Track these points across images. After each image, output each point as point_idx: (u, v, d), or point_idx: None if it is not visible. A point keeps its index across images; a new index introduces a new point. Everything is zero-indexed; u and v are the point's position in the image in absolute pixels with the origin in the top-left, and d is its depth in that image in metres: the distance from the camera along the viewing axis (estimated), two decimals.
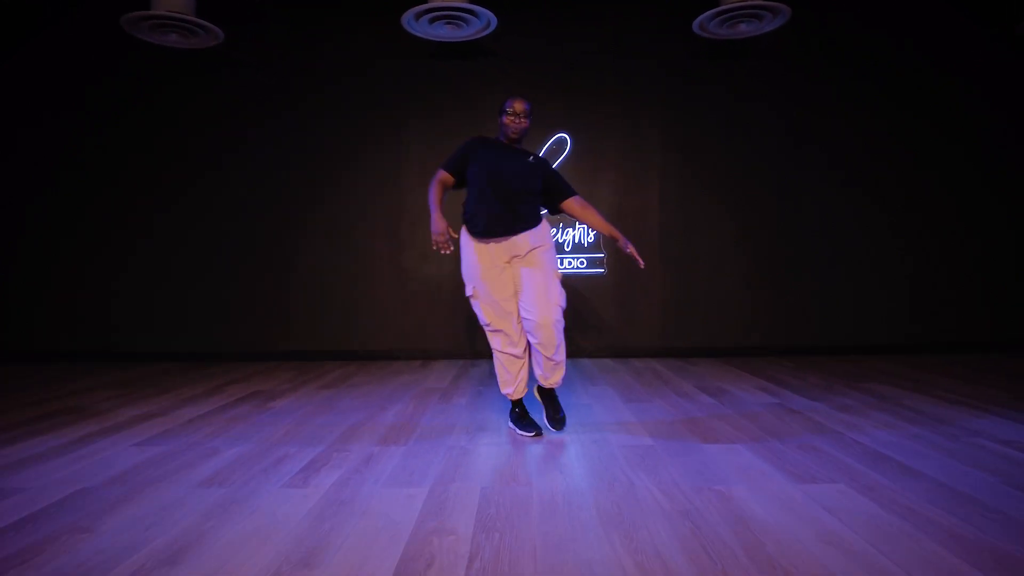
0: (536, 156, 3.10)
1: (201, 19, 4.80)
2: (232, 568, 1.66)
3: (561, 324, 2.92)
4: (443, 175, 3.02)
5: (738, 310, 5.62)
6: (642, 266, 3.09)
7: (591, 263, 5.63)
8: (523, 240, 2.92)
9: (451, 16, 4.68)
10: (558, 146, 5.61)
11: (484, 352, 5.46)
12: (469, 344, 5.63)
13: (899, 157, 5.60)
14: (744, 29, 4.94)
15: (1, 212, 5.67)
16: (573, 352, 5.58)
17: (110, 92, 5.64)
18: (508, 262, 2.96)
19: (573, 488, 2.26)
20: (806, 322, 5.62)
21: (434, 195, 2.96)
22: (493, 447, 2.82)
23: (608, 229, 3.08)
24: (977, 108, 5.58)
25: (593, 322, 5.65)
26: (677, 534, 1.84)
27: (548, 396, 3.15)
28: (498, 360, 3.04)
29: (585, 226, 5.60)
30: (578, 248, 5.64)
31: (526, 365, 3.06)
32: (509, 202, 2.90)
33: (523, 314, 2.92)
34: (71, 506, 2.15)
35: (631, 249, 3.03)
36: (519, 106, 2.97)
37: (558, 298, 2.91)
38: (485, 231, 2.91)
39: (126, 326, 5.68)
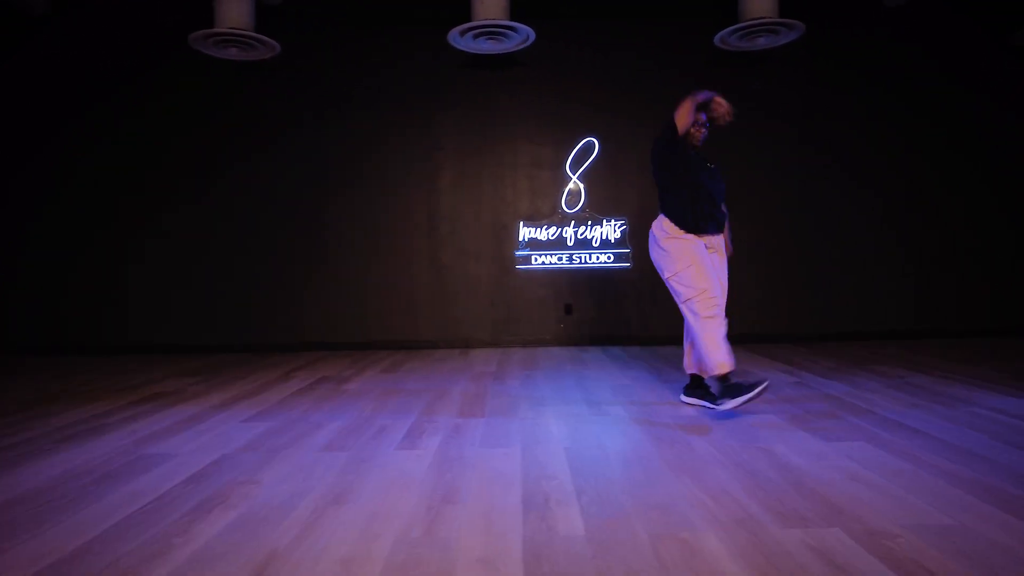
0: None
1: (259, 34, 5.21)
2: (390, 505, 2.11)
3: None
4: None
5: (752, 301, 6.06)
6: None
7: (618, 258, 6.06)
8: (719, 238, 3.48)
9: (494, 32, 5.10)
10: (586, 149, 6.03)
11: (516, 342, 5.94)
12: (505, 335, 6.07)
13: (904, 159, 6.05)
14: (762, 43, 5.38)
15: (66, 217, 6.10)
16: (606, 340, 6.05)
17: (157, 95, 6.08)
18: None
19: (639, 449, 2.71)
20: (812, 312, 6.07)
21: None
22: (559, 419, 3.27)
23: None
24: (978, 111, 6.03)
25: (621, 311, 6.09)
26: (735, 476, 2.30)
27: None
28: (710, 329, 3.24)
29: (613, 223, 6.03)
30: (606, 244, 6.07)
31: None
32: (717, 205, 3.43)
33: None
34: (224, 467, 2.58)
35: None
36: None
37: None
38: (699, 228, 3.36)
39: (182, 322, 6.12)
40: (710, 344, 3.23)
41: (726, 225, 3.55)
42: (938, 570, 1.58)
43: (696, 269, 3.28)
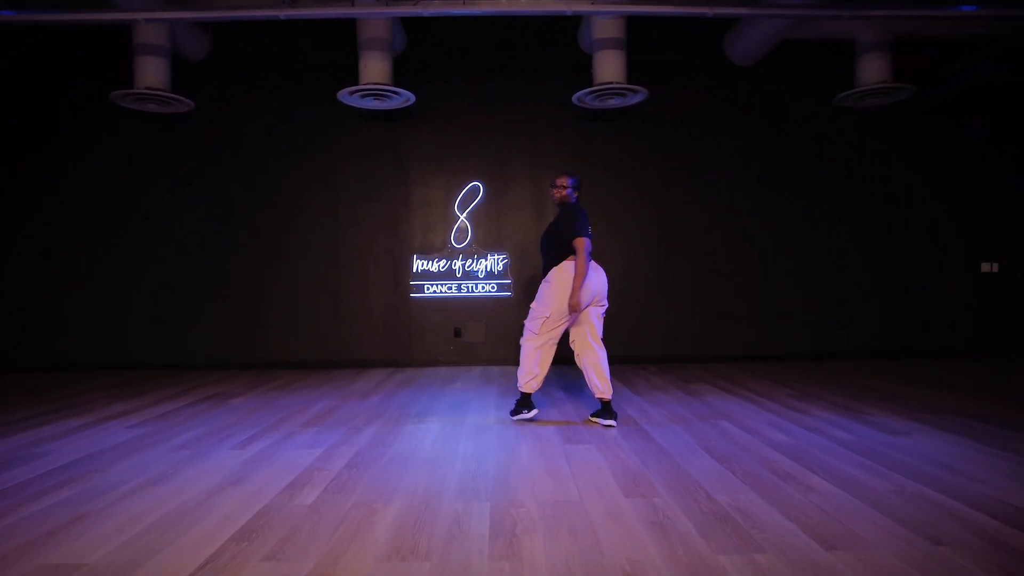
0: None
1: (175, 94, 5.96)
2: (192, 486, 2.86)
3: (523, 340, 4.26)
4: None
5: (617, 325, 6.89)
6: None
7: (501, 288, 6.86)
8: None
9: (378, 93, 5.91)
10: (473, 192, 6.84)
11: (411, 363, 6.71)
12: (400, 356, 6.83)
13: (760, 201, 6.93)
14: (614, 103, 6.24)
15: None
16: (489, 360, 6.83)
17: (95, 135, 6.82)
18: None
19: (416, 448, 3.49)
20: (668, 336, 6.92)
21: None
22: (379, 427, 4.03)
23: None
24: (806, 160, 6.97)
25: (503, 334, 6.88)
26: (454, 468, 3.08)
27: None
28: None
29: (496, 257, 6.84)
30: (490, 275, 6.87)
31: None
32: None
33: None
34: (86, 462, 3.31)
35: None
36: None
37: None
38: None
39: (115, 340, 6.82)
40: None
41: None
42: (528, 528, 2.37)
43: None
